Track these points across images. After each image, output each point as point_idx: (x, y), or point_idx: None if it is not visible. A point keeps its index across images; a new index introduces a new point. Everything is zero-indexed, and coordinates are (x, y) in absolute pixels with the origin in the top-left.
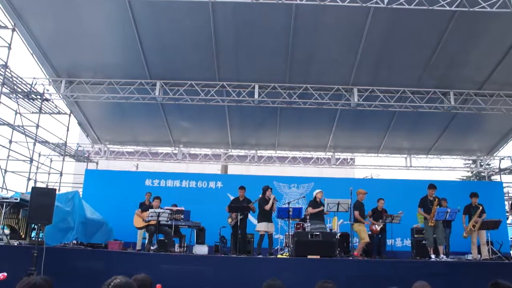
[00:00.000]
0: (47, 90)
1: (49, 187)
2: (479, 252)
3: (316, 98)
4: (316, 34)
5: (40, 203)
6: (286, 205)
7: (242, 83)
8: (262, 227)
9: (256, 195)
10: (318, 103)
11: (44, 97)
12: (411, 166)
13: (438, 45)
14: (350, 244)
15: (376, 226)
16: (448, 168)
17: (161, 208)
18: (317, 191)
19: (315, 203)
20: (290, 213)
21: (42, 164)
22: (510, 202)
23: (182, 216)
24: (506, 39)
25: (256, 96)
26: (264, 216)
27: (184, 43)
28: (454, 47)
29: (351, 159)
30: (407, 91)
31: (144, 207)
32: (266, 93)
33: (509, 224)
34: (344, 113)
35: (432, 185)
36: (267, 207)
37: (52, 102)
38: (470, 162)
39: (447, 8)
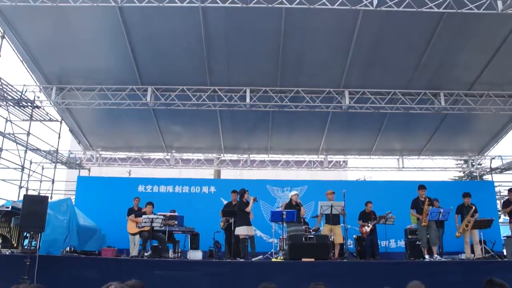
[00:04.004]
0: (38, 97)
1: (41, 194)
2: (473, 252)
3: (308, 101)
4: (306, 37)
5: (32, 211)
6: (280, 209)
7: (233, 87)
8: (242, 231)
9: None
10: (310, 106)
11: (34, 104)
12: (403, 168)
13: (427, 47)
14: (345, 247)
15: (366, 228)
16: (440, 168)
17: (154, 214)
18: (293, 193)
19: (290, 205)
20: (284, 216)
21: (34, 171)
22: (502, 201)
23: (176, 222)
24: (494, 40)
25: (247, 100)
26: (244, 220)
27: (175, 48)
28: (443, 48)
29: (343, 161)
30: (398, 92)
31: (136, 213)
32: (258, 97)
33: (501, 223)
34: (336, 115)
35: (421, 186)
36: (248, 209)
37: (43, 109)
38: (462, 162)
39: (435, 9)
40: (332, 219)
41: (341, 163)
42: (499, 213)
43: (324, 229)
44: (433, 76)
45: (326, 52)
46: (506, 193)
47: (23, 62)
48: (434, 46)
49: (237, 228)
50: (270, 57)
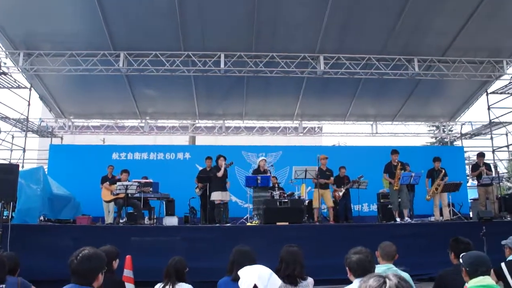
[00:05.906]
0: (4, 64)
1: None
2: (441, 214)
3: (283, 67)
4: (281, 0)
5: (2, 180)
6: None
7: (207, 52)
8: (216, 196)
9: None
10: (285, 72)
11: (1, 71)
12: (377, 133)
13: (402, 11)
14: (319, 211)
15: (339, 192)
16: (412, 134)
17: (129, 181)
18: (260, 159)
19: (258, 171)
20: (259, 181)
21: (3, 140)
22: (470, 166)
23: (151, 189)
24: (468, 5)
25: (222, 65)
26: (218, 186)
27: (147, 12)
28: (418, 13)
29: (318, 127)
30: (373, 58)
31: (110, 180)
32: (232, 62)
33: (469, 186)
34: (311, 81)
35: (394, 151)
36: (219, 173)
37: (10, 76)
38: (434, 128)
39: None
40: (321, 184)
41: (316, 129)
42: (468, 177)
43: (314, 194)
44: (407, 42)
45: (301, 16)
46: (475, 158)
47: None
48: (409, 10)
49: (212, 193)
50: (244, 22)
